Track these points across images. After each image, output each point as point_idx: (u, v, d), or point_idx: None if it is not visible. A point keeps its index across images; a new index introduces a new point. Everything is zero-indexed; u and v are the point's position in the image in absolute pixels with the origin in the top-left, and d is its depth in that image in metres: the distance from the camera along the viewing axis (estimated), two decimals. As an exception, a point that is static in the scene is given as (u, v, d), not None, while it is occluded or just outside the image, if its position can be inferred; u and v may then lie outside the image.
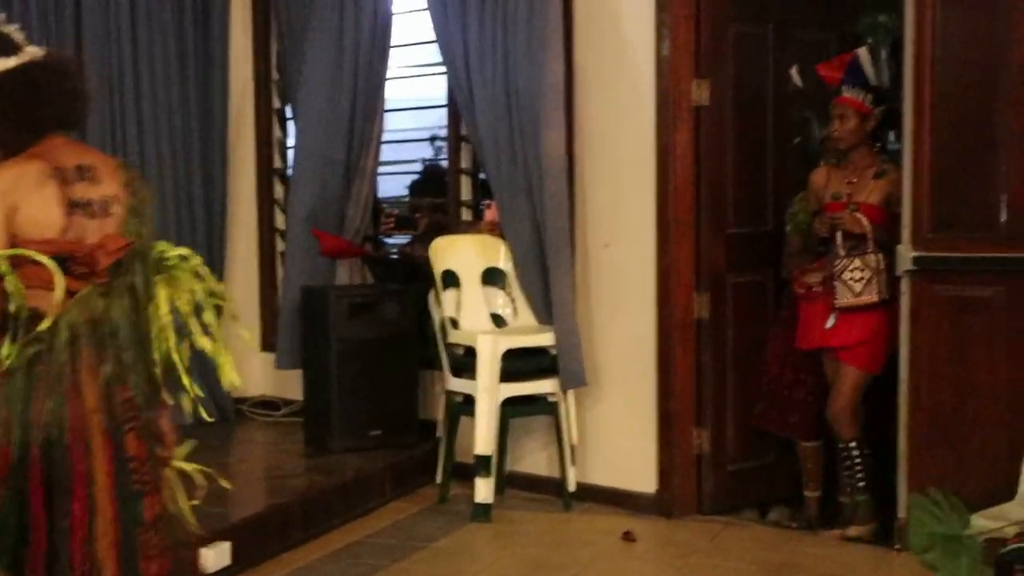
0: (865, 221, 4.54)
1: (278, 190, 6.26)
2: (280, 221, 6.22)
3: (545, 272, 5.01)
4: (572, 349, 4.93)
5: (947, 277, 4.24)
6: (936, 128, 4.23)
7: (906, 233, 4.29)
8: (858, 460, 4.65)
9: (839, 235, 4.57)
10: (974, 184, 4.19)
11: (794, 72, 4.93)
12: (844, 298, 4.55)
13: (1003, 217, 4.12)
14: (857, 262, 4.53)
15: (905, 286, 4.29)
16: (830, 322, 4.62)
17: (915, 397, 4.27)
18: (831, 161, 4.77)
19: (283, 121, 6.24)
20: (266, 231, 6.26)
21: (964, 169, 4.21)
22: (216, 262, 5.83)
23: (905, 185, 4.30)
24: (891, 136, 4.86)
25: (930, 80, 4.23)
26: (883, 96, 4.67)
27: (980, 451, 4.11)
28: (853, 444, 4.65)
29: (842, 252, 4.57)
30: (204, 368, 3.37)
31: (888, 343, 4.50)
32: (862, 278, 4.52)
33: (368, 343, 5.28)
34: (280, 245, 6.22)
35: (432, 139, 6.91)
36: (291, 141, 6.07)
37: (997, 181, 4.14)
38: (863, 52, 4.68)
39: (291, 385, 5.82)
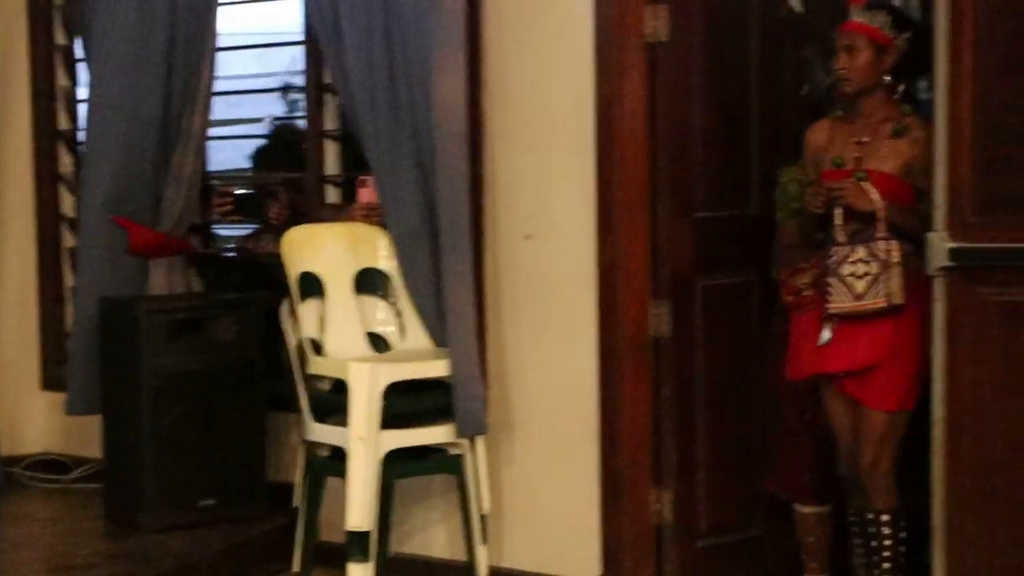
0: (875, 194, 4.54)
1: (65, 162, 6.26)
2: (68, 206, 6.21)
3: (440, 275, 5.01)
4: (470, 381, 4.92)
5: (996, 276, 4.21)
6: (980, 72, 4.21)
7: (940, 217, 4.27)
8: (888, 537, 4.66)
9: (838, 214, 4.57)
10: (1032, 147, 4.19)
11: None
12: (840, 301, 4.55)
13: (1072, 192, 4.13)
14: (861, 252, 4.54)
15: (939, 289, 4.28)
16: (823, 337, 4.62)
17: (955, 444, 4.24)
18: (836, 114, 4.78)
19: (71, 64, 6.23)
20: (47, 220, 6.24)
21: (1019, 128, 4.20)
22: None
23: (939, 151, 4.29)
24: (922, 85, 4.87)
25: (971, 5, 4.22)
26: (908, 21, 4.65)
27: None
28: (886, 517, 4.66)
29: (842, 238, 4.56)
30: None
31: (920, 364, 4.49)
32: (866, 274, 4.53)
33: (195, 377, 5.30)
34: (69, 240, 6.20)
35: (284, 89, 6.89)
36: (84, 93, 6.04)
37: (1063, 142, 4.15)
38: None
39: (86, 438, 5.81)
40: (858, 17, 4.63)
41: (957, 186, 4.25)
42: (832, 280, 4.56)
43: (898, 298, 4.50)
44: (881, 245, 4.52)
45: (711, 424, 5.04)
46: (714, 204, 5.04)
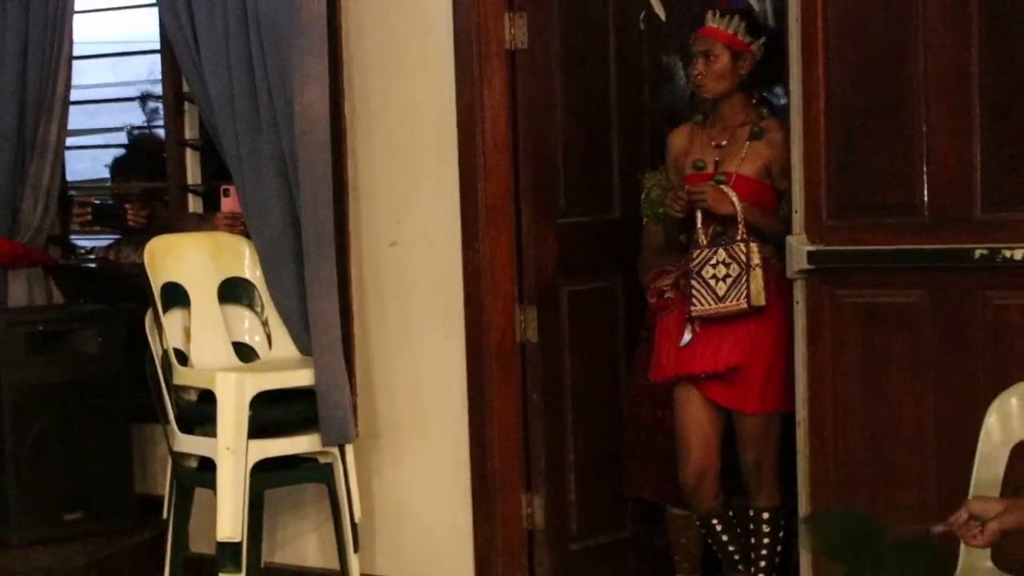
0: (734, 196, 4.57)
1: None
2: None
3: (304, 283, 4.97)
4: (335, 390, 4.89)
5: (854, 278, 4.28)
6: (832, 74, 4.28)
7: (798, 220, 4.33)
8: (767, 535, 4.68)
9: (699, 216, 4.60)
10: (886, 152, 4.24)
11: (654, 0, 4.97)
12: (701, 303, 4.57)
13: (925, 195, 4.18)
14: (722, 254, 4.56)
15: (799, 291, 4.34)
16: (685, 339, 4.64)
17: (817, 442, 4.30)
18: (696, 118, 4.82)
19: None
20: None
21: (871, 131, 4.26)
22: None
23: (795, 156, 4.34)
24: (779, 91, 4.93)
25: (822, 12, 4.28)
26: (763, 27, 4.71)
27: (905, 511, 4.17)
28: (767, 515, 4.68)
29: (703, 240, 4.59)
30: None
31: (782, 366, 4.53)
32: (727, 276, 4.55)
33: (56, 390, 5.27)
34: None
35: (143, 98, 6.78)
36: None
37: (915, 147, 4.20)
38: None
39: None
40: (713, 23, 4.65)
41: (813, 190, 4.30)
42: (694, 282, 4.58)
43: (758, 300, 4.53)
44: (741, 247, 4.54)
45: (580, 428, 5.06)
46: (577, 209, 5.06)
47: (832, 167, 4.28)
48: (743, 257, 4.54)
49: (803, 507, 4.33)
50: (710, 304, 4.56)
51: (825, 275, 4.30)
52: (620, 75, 5.16)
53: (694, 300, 4.57)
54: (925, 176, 4.17)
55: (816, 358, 4.31)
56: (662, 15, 5.01)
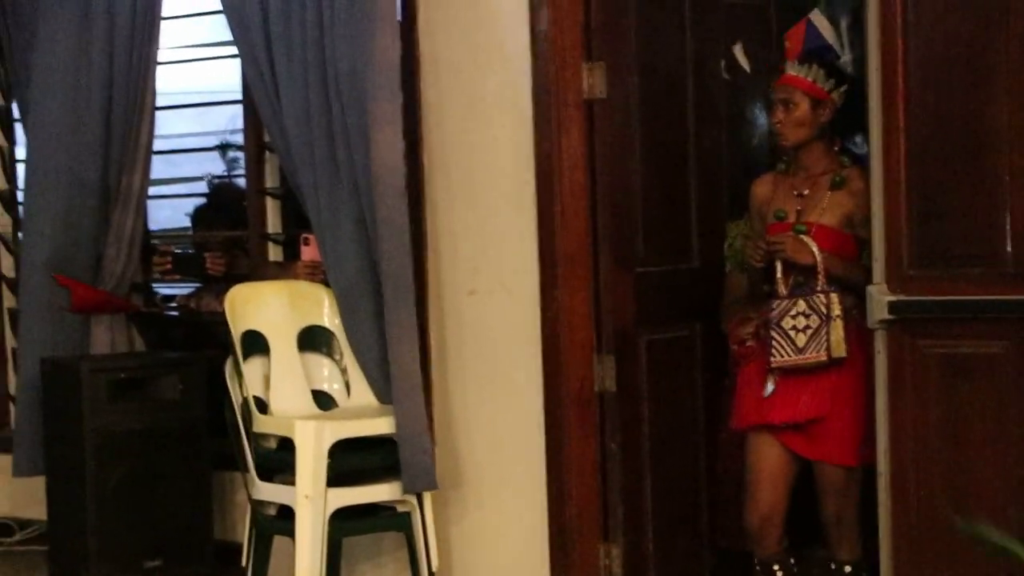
0: (814, 247, 4.55)
1: (3, 221, 6.24)
2: (8, 266, 6.18)
3: (383, 331, 4.97)
4: (417, 437, 4.87)
5: (937, 329, 4.24)
6: (913, 122, 4.26)
7: (879, 270, 4.30)
8: None
9: (779, 267, 4.59)
10: (968, 201, 4.21)
11: (739, 51, 4.97)
12: (781, 355, 4.56)
13: (1008, 246, 4.14)
14: (802, 305, 4.54)
15: (880, 342, 4.30)
16: (768, 389, 4.63)
17: (900, 495, 4.27)
18: (780, 167, 4.81)
19: (8, 125, 6.21)
20: (-12, 280, 6.20)
21: (953, 181, 4.23)
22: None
23: (875, 204, 4.32)
24: (859, 139, 4.90)
25: (902, 60, 4.26)
26: (844, 75, 4.69)
27: (991, 569, 4.10)
28: (849, 568, 4.65)
29: (783, 290, 4.57)
30: None
31: (861, 420, 4.50)
32: (807, 327, 4.53)
33: (138, 436, 5.26)
34: (10, 300, 6.16)
35: (222, 147, 6.84)
36: (22, 152, 5.99)
37: (998, 197, 4.17)
38: (817, 15, 4.73)
39: (30, 500, 5.74)
40: (793, 71, 4.65)
41: (895, 239, 4.27)
42: (774, 333, 4.57)
43: (839, 351, 4.50)
44: (821, 298, 4.53)
45: (658, 478, 5.03)
46: (655, 258, 5.05)
47: (913, 216, 4.25)
48: (823, 308, 4.52)
49: (884, 561, 4.29)
50: (789, 356, 4.55)
51: (906, 325, 4.26)
52: (698, 123, 5.16)
53: (774, 351, 4.56)
54: (1008, 225, 4.13)
55: (897, 410, 4.27)
56: (747, 67, 5.03)
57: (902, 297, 4.25)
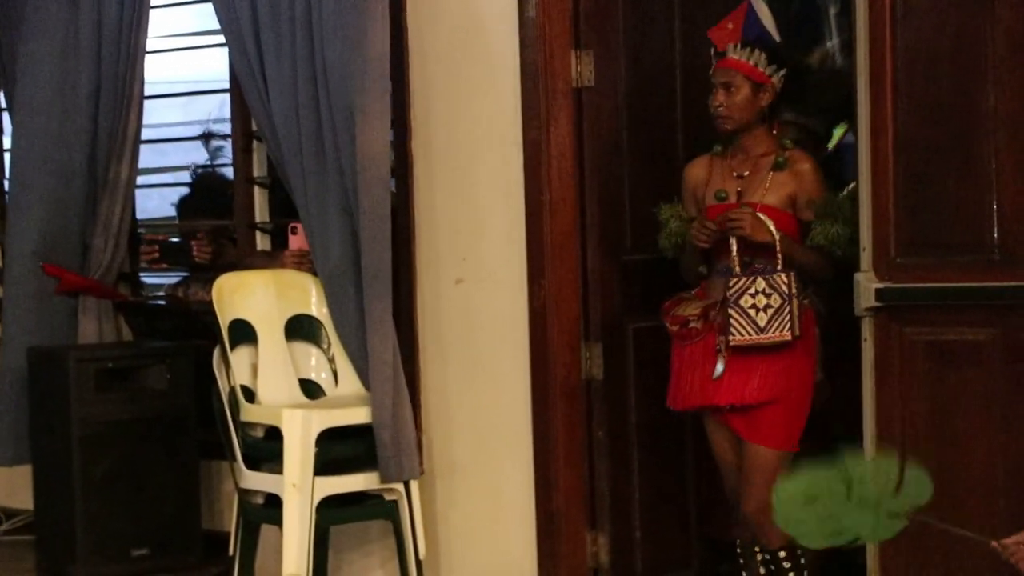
0: (771, 225, 4.51)
1: None
2: None
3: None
4: (392, 427, 4.87)
5: (924, 316, 4.25)
6: (900, 111, 4.26)
7: (866, 257, 4.30)
8: (791, 570, 4.58)
9: (734, 244, 4.52)
10: (955, 189, 4.22)
11: None
12: (742, 334, 4.48)
13: (995, 233, 4.15)
14: (761, 283, 4.48)
15: (867, 330, 4.31)
16: (717, 370, 4.55)
17: (886, 481, 4.25)
18: (715, 150, 4.73)
19: None
20: (-26, 270, 6.17)
21: (940, 167, 4.24)
22: None
23: (862, 191, 4.32)
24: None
25: (890, 48, 4.27)
26: (784, 59, 4.64)
27: (977, 556, 4.10)
28: (784, 554, 4.58)
29: (738, 269, 4.53)
30: None
31: (807, 405, 4.48)
32: (768, 306, 4.46)
33: (124, 426, 5.27)
34: None
35: (206, 136, 6.84)
36: (8, 142, 5.98)
37: (985, 184, 4.17)
38: (757, 1, 4.68)
39: (16, 489, 5.77)
40: (735, 55, 4.60)
41: (882, 227, 4.28)
42: (733, 312, 4.48)
43: (798, 330, 4.47)
44: (782, 277, 4.47)
45: (645, 465, 5.04)
46: (643, 246, 5.03)
47: (900, 204, 4.26)
48: (784, 288, 4.46)
49: (870, 548, 4.28)
50: (750, 335, 4.47)
51: (893, 313, 4.26)
52: (686, 111, 5.16)
53: (733, 330, 4.48)
54: (995, 213, 4.14)
55: (884, 397, 4.27)
56: None
57: (889, 284, 4.25)
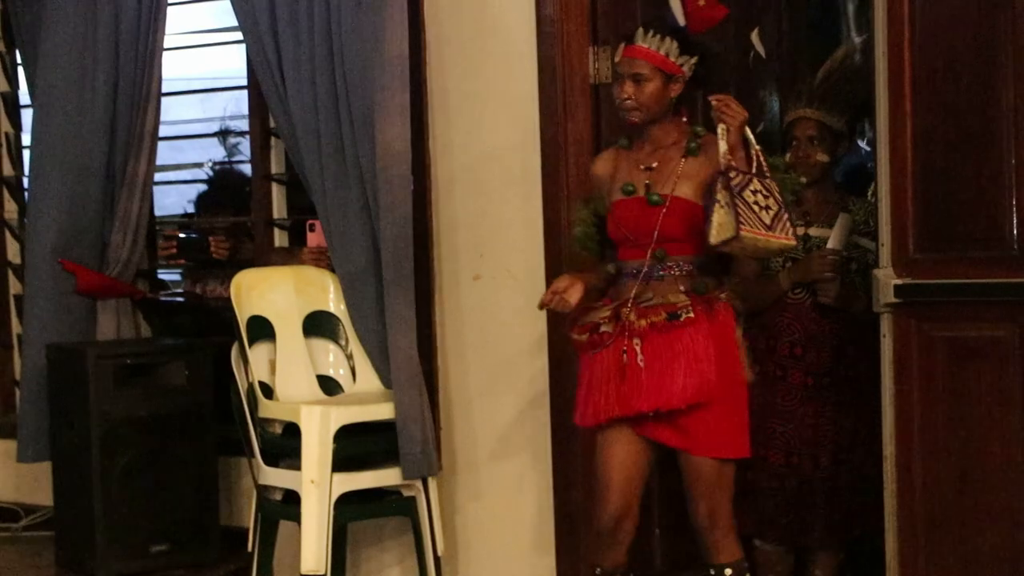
0: (750, 135, 4.22)
1: (9, 208, 6.23)
2: (13, 252, 6.17)
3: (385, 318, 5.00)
4: (414, 425, 4.88)
5: (942, 312, 4.23)
6: (919, 107, 4.24)
7: (885, 253, 4.29)
8: None
9: (722, 131, 4.22)
10: (973, 185, 4.19)
11: (755, 36, 4.95)
12: (751, 226, 4.11)
13: (1014, 229, 4.13)
14: (757, 184, 4.19)
15: (886, 326, 4.29)
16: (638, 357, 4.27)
17: (905, 480, 4.24)
18: (621, 143, 4.51)
19: (14, 110, 6.21)
20: (-7, 267, 6.20)
21: (959, 165, 4.22)
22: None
23: (881, 187, 4.30)
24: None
25: (909, 44, 4.25)
26: (695, 46, 4.41)
27: (995, 551, 4.12)
28: (730, 571, 4.33)
29: (647, 266, 4.30)
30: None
31: (744, 405, 4.32)
32: (768, 207, 4.19)
33: (143, 422, 5.26)
34: (16, 286, 6.15)
35: (223, 133, 6.85)
36: (28, 139, 6.00)
37: (1004, 180, 4.15)
38: None
39: (37, 485, 5.78)
40: (644, 43, 4.34)
41: (900, 223, 4.26)
42: (739, 203, 4.15)
43: (795, 239, 4.26)
44: (772, 183, 4.23)
45: (664, 462, 4.96)
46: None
47: (919, 200, 4.24)
48: (776, 195, 4.21)
49: (890, 544, 4.27)
50: (759, 229, 4.15)
51: (912, 309, 4.24)
52: (706, 108, 5.12)
53: (741, 220, 4.11)
54: (1014, 209, 4.12)
55: (903, 393, 4.25)
56: (762, 52, 4.98)
57: (908, 280, 4.23)
